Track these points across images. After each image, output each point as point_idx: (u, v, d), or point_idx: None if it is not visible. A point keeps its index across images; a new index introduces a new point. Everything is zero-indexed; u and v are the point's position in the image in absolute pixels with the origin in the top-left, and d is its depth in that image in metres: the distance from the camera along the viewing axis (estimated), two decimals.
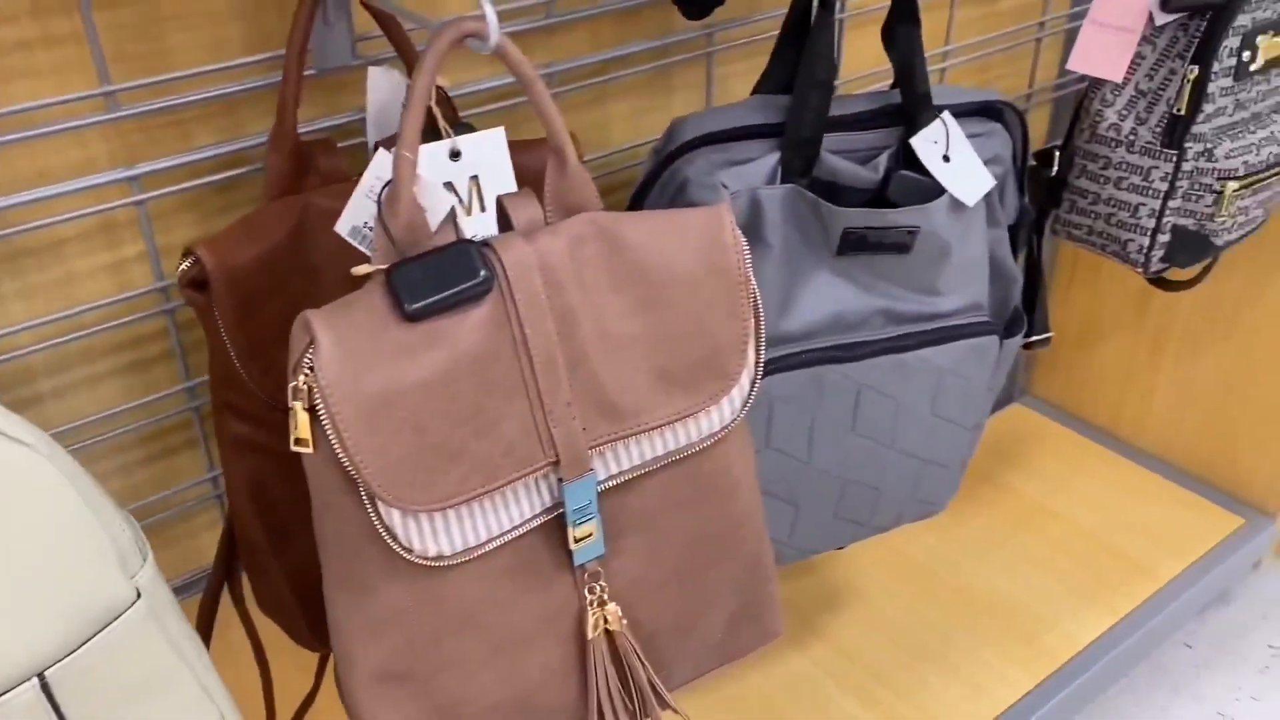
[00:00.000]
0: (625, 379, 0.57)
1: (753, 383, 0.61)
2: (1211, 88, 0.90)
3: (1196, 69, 0.90)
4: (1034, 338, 0.99)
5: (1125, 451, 1.37)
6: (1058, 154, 0.98)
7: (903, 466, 0.87)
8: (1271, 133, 0.96)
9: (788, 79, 0.79)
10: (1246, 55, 0.91)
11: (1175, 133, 0.92)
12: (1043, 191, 1.00)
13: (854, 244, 0.78)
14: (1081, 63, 0.93)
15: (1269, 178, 0.97)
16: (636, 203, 0.77)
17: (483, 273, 0.52)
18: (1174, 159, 0.92)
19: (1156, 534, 1.24)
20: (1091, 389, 1.40)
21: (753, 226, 0.76)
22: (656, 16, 0.85)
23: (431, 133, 0.59)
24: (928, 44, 1.07)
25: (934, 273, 0.81)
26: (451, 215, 0.55)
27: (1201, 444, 1.31)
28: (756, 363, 0.61)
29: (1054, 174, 0.98)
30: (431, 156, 0.58)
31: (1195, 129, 0.91)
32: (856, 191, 0.79)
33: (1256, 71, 0.92)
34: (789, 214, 0.76)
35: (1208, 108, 0.91)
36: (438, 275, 0.52)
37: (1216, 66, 0.90)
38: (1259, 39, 0.91)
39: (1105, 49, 0.92)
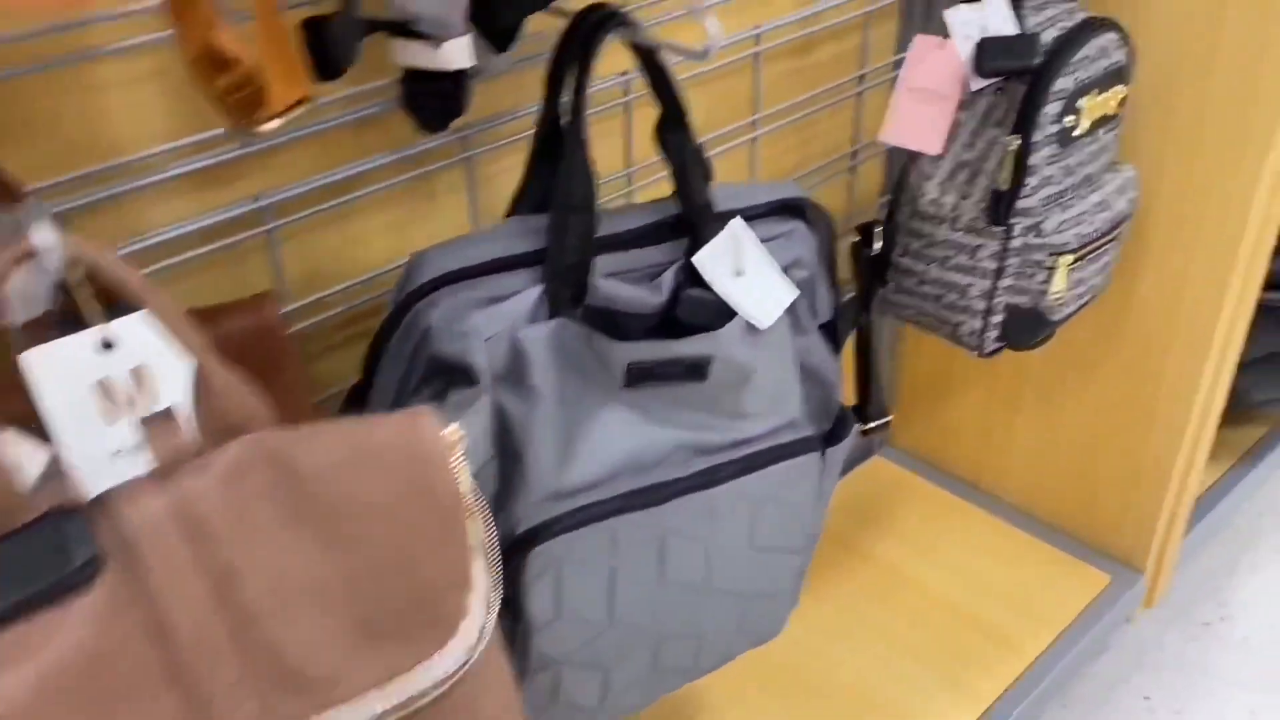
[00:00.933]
0: (313, 640, 0.45)
1: (489, 610, 0.50)
2: (1035, 159, 0.82)
3: (1017, 140, 0.81)
4: (871, 425, 0.90)
5: (989, 505, 1.30)
6: (878, 230, 0.89)
7: (724, 607, 0.77)
8: (1105, 197, 0.88)
9: (547, 195, 0.68)
10: (1069, 120, 0.82)
11: (1000, 209, 0.83)
12: (866, 270, 0.90)
13: (641, 376, 0.67)
14: (895, 134, 0.84)
15: (1105, 244, 0.89)
16: (373, 356, 0.65)
17: (83, 551, 0.40)
18: (1001, 236, 0.84)
19: (1023, 600, 1.17)
20: (952, 438, 1.33)
21: (516, 373, 0.65)
22: (401, 122, 0.73)
23: (75, 320, 0.47)
24: (737, 108, 0.97)
25: (737, 397, 0.71)
26: (56, 466, 0.43)
27: (1064, 496, 1.24)
28: (491, 587, 0.50)
29: (876, 252, 0.89)
30: (68, 356, 0.46)
31: (1020, 203, 0.83)
32: (640, 317, 0.69)
33: (1082, 136, 0.84)
34: (559, 353, 0.65)
35: (1032, 180, 0.82)
36: (21, 564, 0.40)
37: (1038, 135, 0.81)
38: (1080, 101, 0.83)
39: (920, 119, 0.84)
